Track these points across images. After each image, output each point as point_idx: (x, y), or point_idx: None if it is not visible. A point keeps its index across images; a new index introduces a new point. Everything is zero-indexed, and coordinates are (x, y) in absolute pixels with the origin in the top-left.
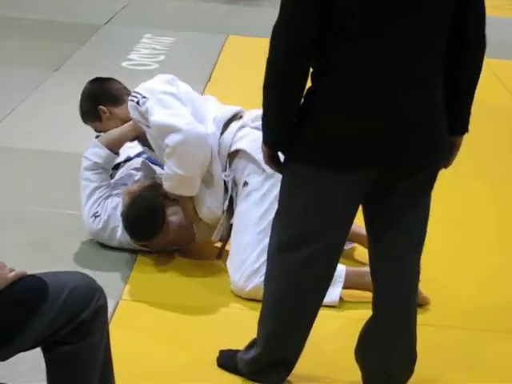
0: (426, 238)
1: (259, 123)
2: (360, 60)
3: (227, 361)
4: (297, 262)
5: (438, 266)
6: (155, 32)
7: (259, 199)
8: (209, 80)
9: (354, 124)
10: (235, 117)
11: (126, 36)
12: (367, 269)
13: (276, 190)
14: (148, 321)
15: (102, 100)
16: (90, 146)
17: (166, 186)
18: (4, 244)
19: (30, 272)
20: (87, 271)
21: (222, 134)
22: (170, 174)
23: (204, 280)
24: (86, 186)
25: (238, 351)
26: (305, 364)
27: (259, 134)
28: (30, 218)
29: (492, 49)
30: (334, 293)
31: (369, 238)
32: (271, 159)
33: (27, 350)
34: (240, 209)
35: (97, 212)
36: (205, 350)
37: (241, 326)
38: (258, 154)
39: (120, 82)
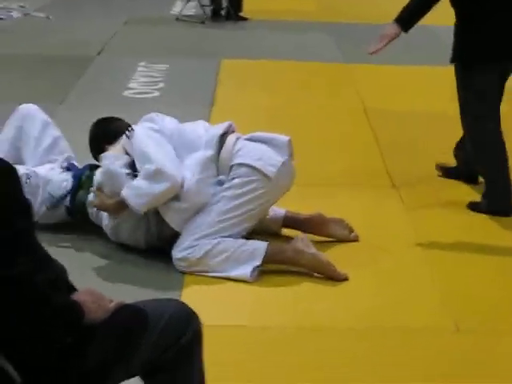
0: None
1: (252, 136)
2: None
3: None
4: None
5: None
6: (149, 60)
7: (235, 196)
8: (213, 104)
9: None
10: (227, 132)
11: (121, 65)
12: (288, 245)
13: (251, 196)
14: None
15: (103, 140)
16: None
17: (125, 191)
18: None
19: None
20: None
21: (220, 150)
22: (135, 187)
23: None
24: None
25: None
26: None
27: (254, 146)
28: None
29: None
30: (247, 268)
31: None
32: (396, 35)
33: (129, 378)
34: (216, 196)
35: None
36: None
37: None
38: (257, 161)
39: (119, 119)
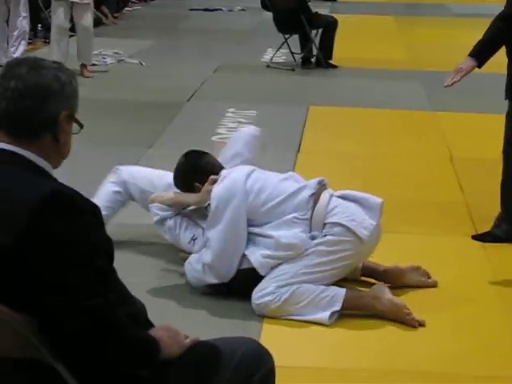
0: None
1: (345, 194)
2: None
3: None
4: None
5: None
6: (238, 106)
7: (325, 253)
8: (299, 150)
9: None
10: (321, 186)
11: (210, 111)
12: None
13: (341, 255)
14: None
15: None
16: None
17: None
18: None
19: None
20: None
21: (313, 207)
22: (192, 268)
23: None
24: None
25: None
26: None
27: (348, 205)
28: None
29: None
30: (326, 313)
31: None
32: (471, 68)
33: None
34: (308, 249)
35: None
36: None
37: None
38: (351, 222)
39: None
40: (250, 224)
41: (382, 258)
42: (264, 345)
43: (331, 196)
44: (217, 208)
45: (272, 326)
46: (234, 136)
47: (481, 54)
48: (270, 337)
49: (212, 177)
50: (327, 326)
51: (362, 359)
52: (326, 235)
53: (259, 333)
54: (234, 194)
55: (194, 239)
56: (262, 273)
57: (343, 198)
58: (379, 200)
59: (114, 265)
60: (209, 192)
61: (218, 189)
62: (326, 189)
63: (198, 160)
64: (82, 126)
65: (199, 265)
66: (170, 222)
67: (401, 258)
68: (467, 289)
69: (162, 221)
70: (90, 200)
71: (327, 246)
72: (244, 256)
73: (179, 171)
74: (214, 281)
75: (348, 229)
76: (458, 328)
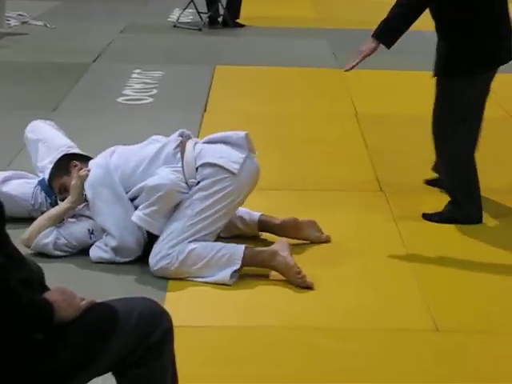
0: None
1: (209, 138)
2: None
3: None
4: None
5: None
6: (144, 67)
7: (203, 197)
8: (205, 110)
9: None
10: (184, 138)
11: (116, 72)
12: (264, 248)
13: (219, 195)
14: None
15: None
16: None
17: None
18: None
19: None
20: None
21: (182, 158)
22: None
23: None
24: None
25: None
26: None
27: (213, 146)
28: None
29: None
30: (226, 272)
31: None
32: (372, 51)
33: (100, 375)
34: (186, 200)
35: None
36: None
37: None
38: (219, 159)
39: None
40: (133, 197)
41: (285, 213)
42: (168, 305)
43: (196, 143)
44: (94, 195)
45: (177, 286)
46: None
47: (388, 38)
48: (175, 297)
49: (75, 170)
50: (230, 286)
51: (262, 318)
52: (199, 182)
53: (164, 294)
54: (103, 176)
55: (91, 233)
56: (148, 229)
57: (208, 142)
58: (243, 133)
59: None
60: (77, 186)
61: (88, 178)
62: (190, 138)
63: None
64: None
65: (108, 251)
66: (61, 240)
67: (308, 215)
68: (373, 246)
69: (56, 245)
70: None
71: (204, 190)
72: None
73: (53, 167)
74: (128, 259)
75: (219, 167)
76: (360, 284)
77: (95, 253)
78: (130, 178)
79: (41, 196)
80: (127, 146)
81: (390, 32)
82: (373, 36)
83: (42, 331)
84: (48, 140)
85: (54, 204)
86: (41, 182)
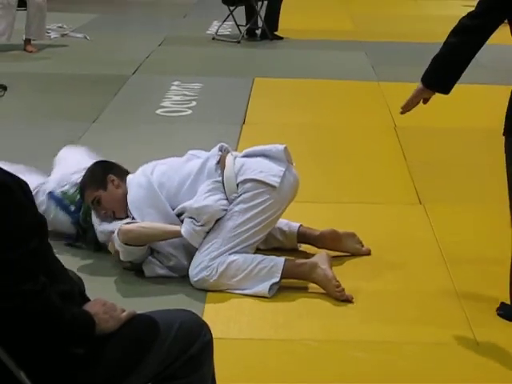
0: None
1: (247, 152)
2: None
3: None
4: None
5: None
6: (183, 79)
7: (244, 210)
8: (244, 122)
9: None
10: (223, 152)
11: (155, 84)
12: (305, 260)
13: (260, 208)
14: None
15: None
16: None
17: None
18: None
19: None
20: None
21: (222, 173)
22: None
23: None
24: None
25: None
26: None
27: (253, 161)
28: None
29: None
30: (266, 285)
31: None
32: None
33: None
34: (227, 213)
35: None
36: None
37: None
38: (259, 174)
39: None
40: (178, 214)
41: (323, 226)
42: (207, 317)
43: (235, 158)
44: (141, 217)
45: (215, 299)
46: None
47: (436, 80)
48: (213, 310)
49: (113, 186)
50: (269, 298)
51: (300, 331)
52: (240, 195)
53: (203, 306)
54: (146, 197)
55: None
56: (193, 243)
57: (247, 156)
58: (282, 147)
59: None
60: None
61: (131, 199)
62: (228, 152)
63: (103, 161)
64: (5, 88)
65: (163, 268)
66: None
67: (342, 226)
68: (409, 256)
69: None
70: (17, 176)
71: (245, 203)
72: None
73: (87, 175)
74: (182, 274)
75: (258, 181)
76: (398, 296)
77: (151, 269)
78: (176, 196)
79: (48, 203)
80: (166, 162)
81: (442, 76)
82: (421, 80)
83: (82, 346)
84: (61, 162)
85: (78, 223)
86: (53, 196)
